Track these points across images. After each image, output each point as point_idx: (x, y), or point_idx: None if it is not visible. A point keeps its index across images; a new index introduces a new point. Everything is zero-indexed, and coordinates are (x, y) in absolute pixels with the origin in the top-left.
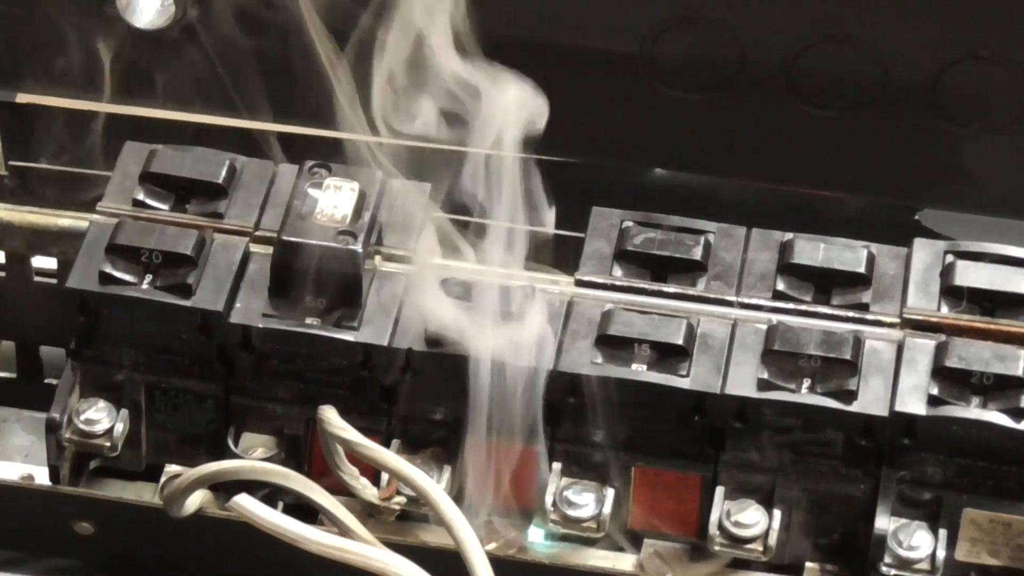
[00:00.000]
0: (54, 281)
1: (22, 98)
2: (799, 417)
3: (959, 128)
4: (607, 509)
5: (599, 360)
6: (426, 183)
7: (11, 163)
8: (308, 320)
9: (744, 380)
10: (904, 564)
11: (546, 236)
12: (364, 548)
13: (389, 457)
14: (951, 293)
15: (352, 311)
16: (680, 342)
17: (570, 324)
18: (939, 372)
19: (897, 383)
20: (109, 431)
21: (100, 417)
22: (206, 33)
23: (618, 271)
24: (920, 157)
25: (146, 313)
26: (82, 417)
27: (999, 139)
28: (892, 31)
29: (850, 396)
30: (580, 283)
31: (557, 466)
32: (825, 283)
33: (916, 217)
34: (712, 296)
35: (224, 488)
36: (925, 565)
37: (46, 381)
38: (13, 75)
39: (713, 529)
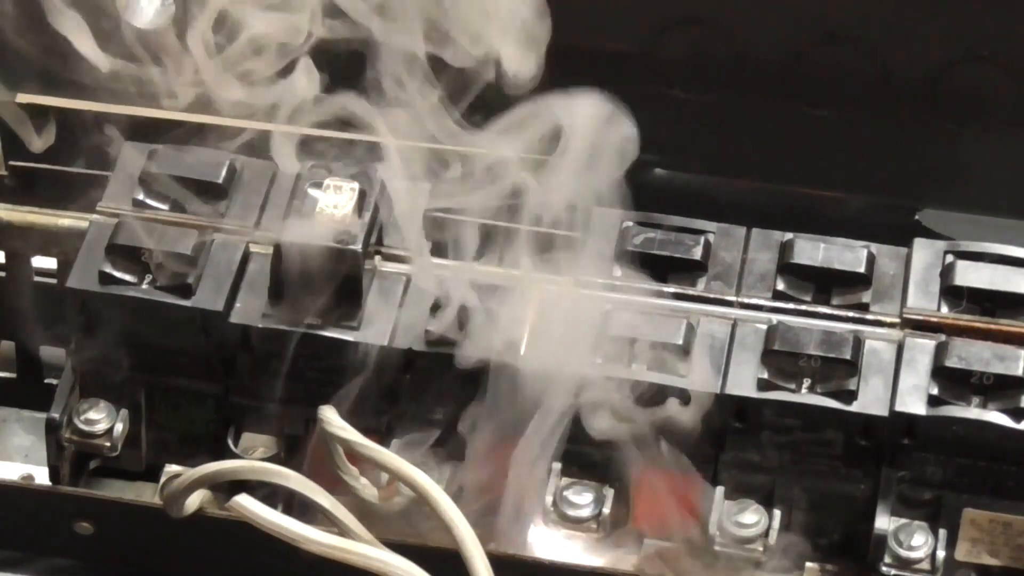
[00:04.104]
0: (54, 281)
1: (22, 98)
2: (799, 417)
3: (959, 128)
4: (607, 509)
5: (599, 361)
6: (425, 183)
7: (11, 163)
8: (308, 320)
9: (744, 380)
10: (904, 564)
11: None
12: (364, 548)
13: (389, 457)
14: (951, 293)
15: (352, 311)
16: (680, 342)
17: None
18: (939, 372)
19: (897, 383)
20: (109, 431)
21: (100, 417)
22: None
23: (618, 271)
24: (920, 157)
25: (146, 313)
26: (82, 417)
27: (999, 139)
28: (892, 31)
29: (850, 396)
30: (580, 283)
31: (557, 466)
32: (825, 283)
33: (916, 217)
34: (712, 296)
35: (224, 488)
36: (925, 565)
37: (46, 381)
38: (13, 75)
39: (713, 529)
